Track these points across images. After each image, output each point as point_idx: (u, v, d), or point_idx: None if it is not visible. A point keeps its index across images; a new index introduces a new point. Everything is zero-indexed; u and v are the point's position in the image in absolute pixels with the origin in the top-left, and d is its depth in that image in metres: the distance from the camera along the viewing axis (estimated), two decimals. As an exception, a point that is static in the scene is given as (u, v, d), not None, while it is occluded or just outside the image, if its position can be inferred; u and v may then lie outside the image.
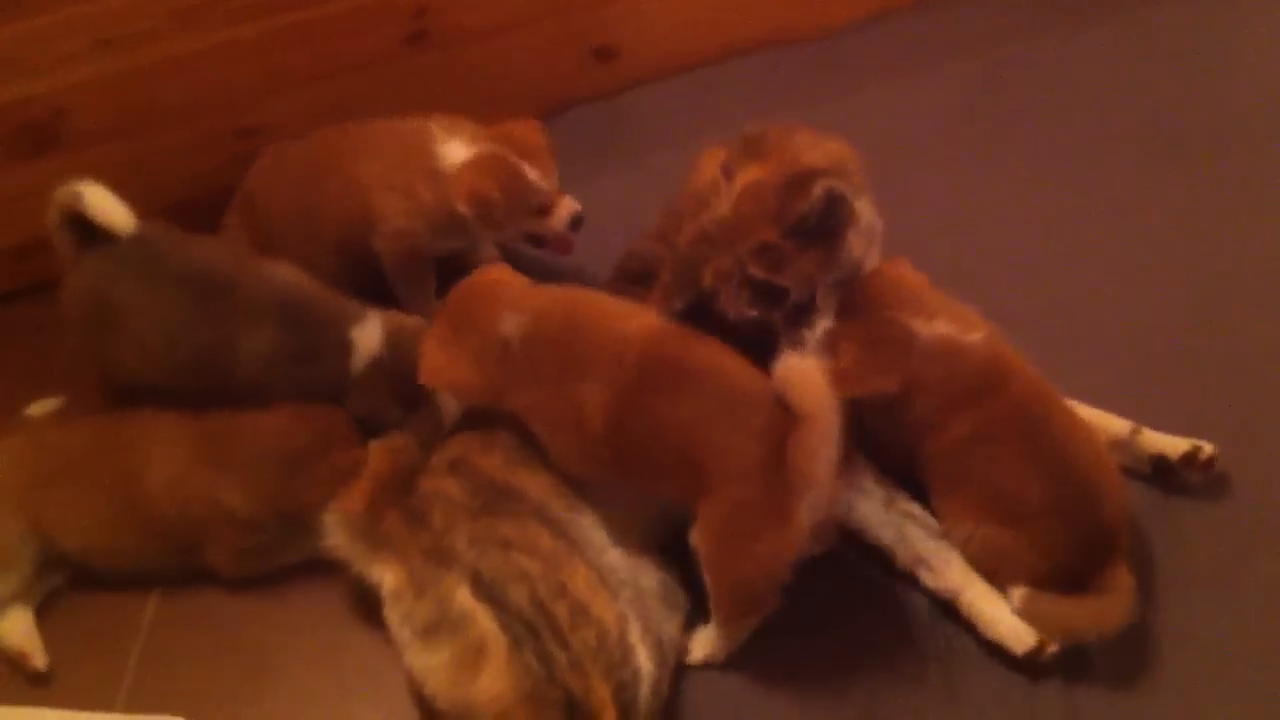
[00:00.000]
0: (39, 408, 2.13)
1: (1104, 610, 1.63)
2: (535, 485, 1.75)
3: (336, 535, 1.76)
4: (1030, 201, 2.27)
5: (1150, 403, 1.91)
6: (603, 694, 1.55)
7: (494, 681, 1.55)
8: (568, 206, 2.06)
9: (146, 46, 2.13)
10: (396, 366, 1.92)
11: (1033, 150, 2.36)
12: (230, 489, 1.84)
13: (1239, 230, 2.18)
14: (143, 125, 2.24)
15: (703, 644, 1.70)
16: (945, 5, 2.71)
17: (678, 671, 1.69)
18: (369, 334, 1.95)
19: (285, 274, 2.01)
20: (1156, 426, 1.87)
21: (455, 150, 2.05)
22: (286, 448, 1.86)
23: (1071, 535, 1.64)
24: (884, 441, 1.80)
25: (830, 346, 1.75)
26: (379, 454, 1.84)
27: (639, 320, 1.75)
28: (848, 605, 1.77)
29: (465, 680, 1.57)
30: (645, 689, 1.60)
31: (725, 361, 1.68)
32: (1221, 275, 2.12)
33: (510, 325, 1.76)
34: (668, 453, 1.65)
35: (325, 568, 1.81)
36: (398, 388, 1.92)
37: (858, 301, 1.78)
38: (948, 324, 1.73)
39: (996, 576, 1.69)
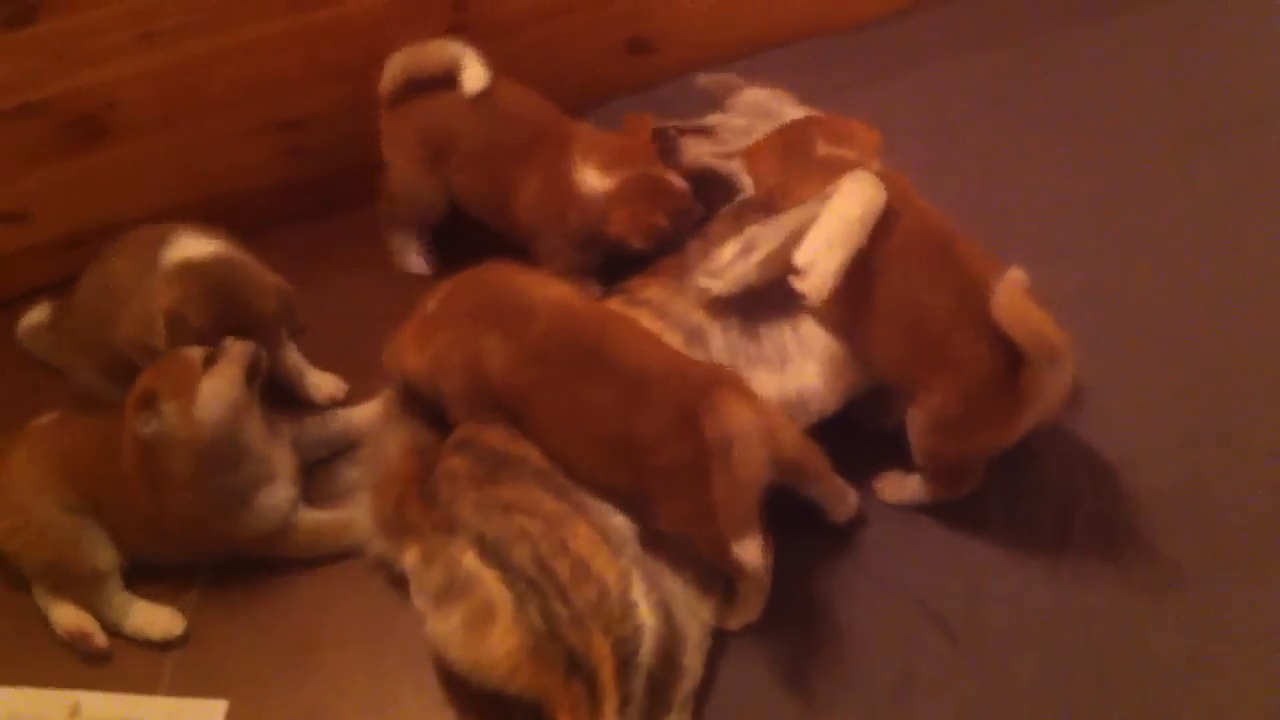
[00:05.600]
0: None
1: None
2: (537, 454, 1.76)
3: (375, 543, 1.83)
4: (1064, 187, 2.25)
5: (1184, 386, 1.92)
6: (602, 649, 1.58)
7: (503, 639, 1.59)
8: None
9: (191, 40, 2.16)
10: (214, 280, 1.88)
11: (1065, 137, 2.34)
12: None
13: (1275, 214, 2.16)
14: (189, 117, 2.27)
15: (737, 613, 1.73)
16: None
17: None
18: (192, 246, 1.93)
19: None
20: (1190, 409, 1.87)
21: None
22: None
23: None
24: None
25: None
26: (407, 458, 1.86)
27: (555, 289, 1.82)
28: (872, 581, 1.80)
29: (477, 640, 1.61)
30: (648, 644, 1.60)
31: (631, 344, 1.72)
32: (1257, 260, 2.09)
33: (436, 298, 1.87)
34: (583, 432, 1.71)
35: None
36: (212, 306, 1.86)
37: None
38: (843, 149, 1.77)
39: None
